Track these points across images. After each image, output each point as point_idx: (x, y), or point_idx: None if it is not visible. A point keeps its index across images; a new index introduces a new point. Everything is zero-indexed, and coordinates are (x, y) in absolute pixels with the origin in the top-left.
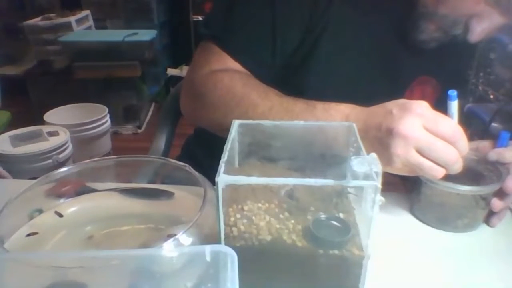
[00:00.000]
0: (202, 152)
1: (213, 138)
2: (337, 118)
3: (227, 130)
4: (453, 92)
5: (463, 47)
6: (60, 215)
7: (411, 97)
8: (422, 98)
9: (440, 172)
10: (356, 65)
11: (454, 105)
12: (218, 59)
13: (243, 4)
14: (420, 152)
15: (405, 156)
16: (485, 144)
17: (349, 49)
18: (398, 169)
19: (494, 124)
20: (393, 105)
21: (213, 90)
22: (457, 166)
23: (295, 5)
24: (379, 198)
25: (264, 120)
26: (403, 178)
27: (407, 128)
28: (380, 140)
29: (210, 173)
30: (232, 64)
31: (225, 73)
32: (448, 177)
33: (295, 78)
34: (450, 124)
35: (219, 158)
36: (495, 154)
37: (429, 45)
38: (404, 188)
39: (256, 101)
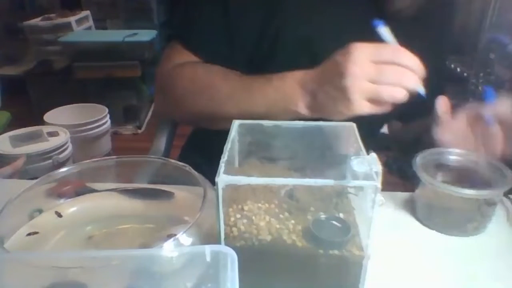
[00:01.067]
0: (200, 154)
1: (210, 141)
2: (292, 84)
3: (202, 119)
4: (377, 20)
5: (440, 19)
6: (60, 215)
7: None
8: None
9: (399, 91)
10: (331, 39)
11: (384, 31)
12: (181, 53)
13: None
14: (373, 82)
15: (361, 90)
16: (476, 106)
17: (322, 23)
18: (363, 107)
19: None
20: (336, 54)
21: (178, 82)
22: (413, 80)
23: None
24: (379, 198)
25: (264, 121)
26: (403, 178)
27: (352, 65)
28: (335, 88)
29: (209, 174)
30: (194, 58)
31: (187, 64)
32: (452, 181)
33: (264, 67)
34: (389, 47)
35: (218, 160)
36: (489, 110)
37: (406, 13)
38: (404, 188)
39: (219, 84)
